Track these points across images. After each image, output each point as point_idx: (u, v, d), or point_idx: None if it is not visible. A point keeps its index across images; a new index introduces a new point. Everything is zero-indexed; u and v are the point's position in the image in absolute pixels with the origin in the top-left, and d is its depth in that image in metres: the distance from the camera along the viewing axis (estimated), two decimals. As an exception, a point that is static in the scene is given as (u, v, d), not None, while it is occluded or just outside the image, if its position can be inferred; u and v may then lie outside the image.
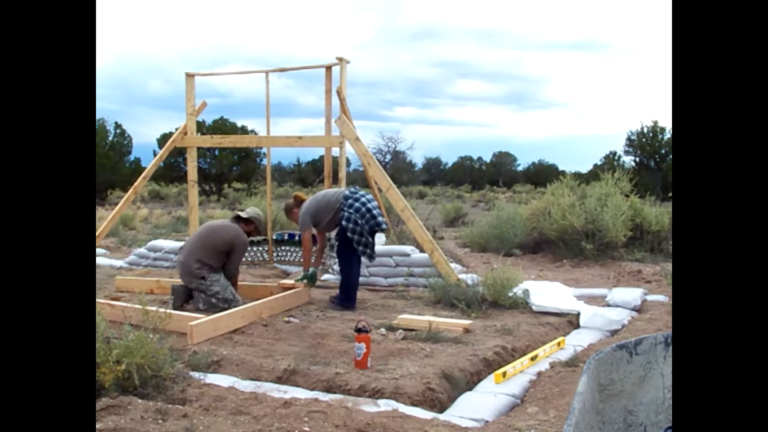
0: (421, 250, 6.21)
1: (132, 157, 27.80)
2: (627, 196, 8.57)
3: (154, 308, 3.61)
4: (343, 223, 5.08)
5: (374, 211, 5.12)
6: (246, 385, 3.21)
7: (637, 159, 29.01)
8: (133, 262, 7.82)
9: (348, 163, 14.40)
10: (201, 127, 26.68)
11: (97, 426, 2.46)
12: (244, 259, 7.59)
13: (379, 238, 7.28)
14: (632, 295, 5.62)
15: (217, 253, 5.03)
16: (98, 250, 8.51)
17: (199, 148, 10.66)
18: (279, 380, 3.37)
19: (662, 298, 5.78)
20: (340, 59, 6.47)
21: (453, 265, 6.29)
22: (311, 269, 5.37)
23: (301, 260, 7.36)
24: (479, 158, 56.88)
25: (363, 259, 5.21)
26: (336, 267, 6.46)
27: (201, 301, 4.96)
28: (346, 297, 5.17)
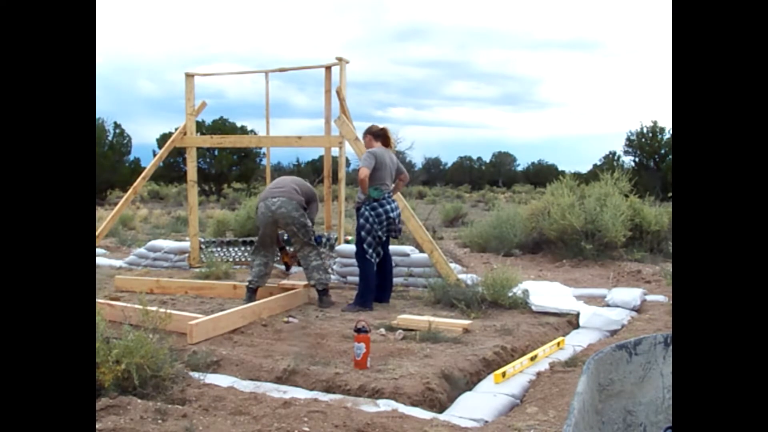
0: (421, 251, 6.20)
1: (131, 157, 27.80)
2: (626, 196, 8.57)
3: (153, 308, 3.61)
4: (361, 221, 5.23)
5: (392, 214, 5.25)
6: (245, 385, 3.21)
7: (637, 159, 29.01)
8: (132, 262, 7.81)
9: (347, 163, 14.41)
10: (200, 127, 26.69)
11: (97, 426, 2.46)
12: (243, 259, 7.64)
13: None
14: (632, 295, 5.62)
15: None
16: (98, 250, 8.51)
17: (198, 148, 10.67)
18: (278, 380, 3.37)
19: (662, 298, 5.78)
20: (340, 59, 6.46)
21: (452, 265, 6.29)
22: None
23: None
24: (479, 158, 56.98)
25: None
26: (335, 267, 6.46)
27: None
28: (363, 297, 5.22)
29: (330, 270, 6.54)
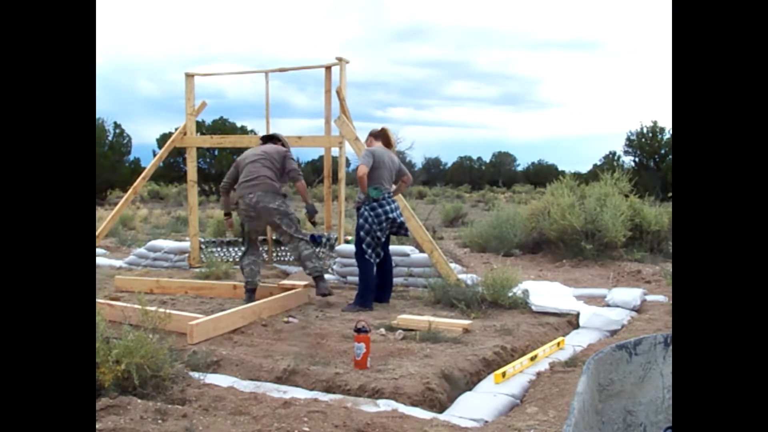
0: (421, 251, 6.20)
1: (131, 157, 27.80)
2: (626, 196, 8.57)
3: (153, 308, 3.61)
4: (360, 221, 5.23)
5: (392, 214, 5.23)
6: (245, 385, 3.21)
7: (637, 159, 29.01)
8: (132, 262, 7.81)
9: (347, 163, 14.40)
10: (200, 127, 26.68)
11: (97, 426, 2.46)
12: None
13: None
14: (632, 295, 5.62)
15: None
16: (98, 250, 8.51)
17: (198, 148, 10.66)
18: (278, 380, 3.37)
19: (662, 298, 5.78)
20: (340, 59, 6.46)
21: (452, 265, 6.29)
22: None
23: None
24: (479, 158, 57.04)
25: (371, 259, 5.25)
26: (335, 267, 6.46)
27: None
28: (363, 297, 5.22)
29: (330, 270, 6.54)
